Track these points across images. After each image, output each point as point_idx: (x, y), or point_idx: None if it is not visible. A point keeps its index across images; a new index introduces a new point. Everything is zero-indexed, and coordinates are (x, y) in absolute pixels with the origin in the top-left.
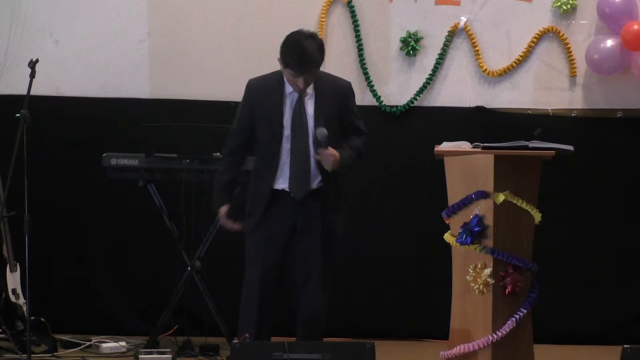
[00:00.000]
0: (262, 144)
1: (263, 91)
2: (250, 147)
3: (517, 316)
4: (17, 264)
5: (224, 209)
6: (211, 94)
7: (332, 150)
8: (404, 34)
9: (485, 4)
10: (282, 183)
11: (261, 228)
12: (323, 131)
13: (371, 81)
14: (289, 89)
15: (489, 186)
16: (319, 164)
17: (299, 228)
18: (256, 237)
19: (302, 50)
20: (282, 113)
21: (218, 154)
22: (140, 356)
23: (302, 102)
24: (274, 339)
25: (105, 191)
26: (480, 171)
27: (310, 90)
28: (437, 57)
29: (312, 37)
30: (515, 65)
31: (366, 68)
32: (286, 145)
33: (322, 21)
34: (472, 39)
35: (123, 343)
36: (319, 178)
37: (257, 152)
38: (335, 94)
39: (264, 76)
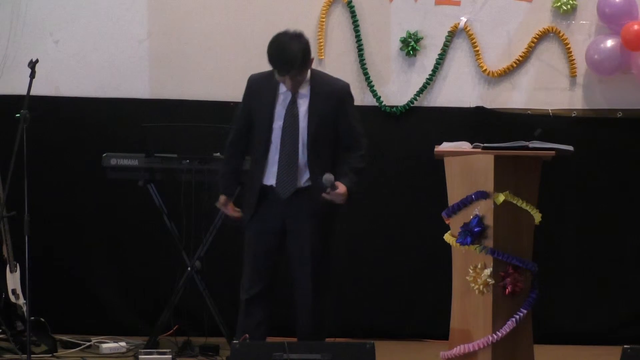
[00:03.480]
0: (255, 140)
1: (259, 87)
2: (250, 137)
3: (517, 316)
4: (17, 264)
5: (222, 199)
6: (211, 94)
7: (341, 189)
8: (404, 34)
9: (485, 4)
10: (270, 179)
11: (252, 226)
12: (330, 177)
13: (371, 81)
14: (283, 87)
15: (489, 186)
16: (310, 163)
17: (288, 228)
18: (248, 234)
19: (282, 51)
20: (272, 110)
21: (218, 154)
22: (140, 356)
23: (294, 101)
24: (274, 339)
25: (105, 191)
26: (480, 171)
27: (305, 90)
28: (437, 57)
29: (298, 37)
30: (515, 65)
31: (366, 68)
32: (276, 142)
33: (322, 21)
34: (472, 39)
35: (123, 343)
36: (307, 176)
37: (252, 148)
38: (330, 94)
39: (264, 72)
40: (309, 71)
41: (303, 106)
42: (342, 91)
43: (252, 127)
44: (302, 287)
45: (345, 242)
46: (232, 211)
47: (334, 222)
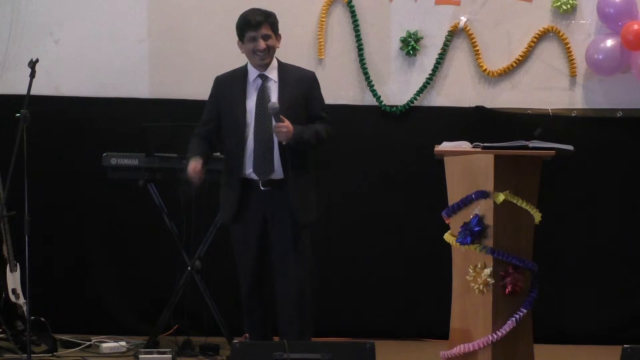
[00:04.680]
0: (228, 134)
1: (228, 83)
2: (216, 137)
3: (517, 316)
4: (17, 264)
5: (196, 164)
6: None
7: (286, 123)
8: (404, 34)
9: (485, 4)
10: (249, 168)
11: (237, 225)
12: (274, 104)
13: (371, 81)
14: (252, 77)
15: (489, 186)
16: (282, 148)
17: (269, 222)
18: (234, 233)
19: (252, 8)
20: (244, 100)
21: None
22: (140, 356)
23: (265, 88)
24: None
25: (106, 191)
26: (480, 171)
27: (274, 76)
28: (437, 57)
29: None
30: (515, 65)
31: (366, 68)
32: (251, 131)
33: (322, 21)
34: (472, 39)
35: (123, 343)
36: (282, 168)
37: (226, 144)
38: (299, 82)
39: (229, 71)
40: (275, 59)
41: (273, 91)
42: (310, 78)
43: (220, 128)
44: (284, 278)
45: (345, 241)
46: (199, 172)
47: (311, 215)
